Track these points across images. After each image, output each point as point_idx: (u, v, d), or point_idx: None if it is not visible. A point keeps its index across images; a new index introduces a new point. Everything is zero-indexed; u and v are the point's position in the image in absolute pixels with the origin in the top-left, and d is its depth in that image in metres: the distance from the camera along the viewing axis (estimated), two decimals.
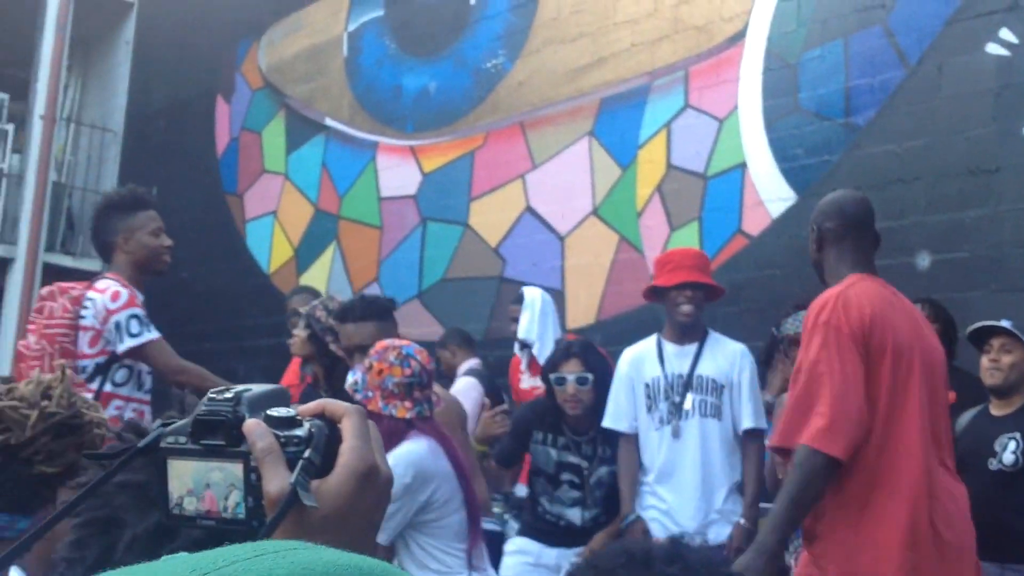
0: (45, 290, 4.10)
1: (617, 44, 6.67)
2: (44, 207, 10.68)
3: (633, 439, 4.32)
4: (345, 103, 8.54)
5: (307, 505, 0.82)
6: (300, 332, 4.62)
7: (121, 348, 3.88)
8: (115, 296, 3.92)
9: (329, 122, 8.65)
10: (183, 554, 0.60)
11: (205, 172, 9.77)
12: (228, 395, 0.88)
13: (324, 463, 0.86)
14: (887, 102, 5.39)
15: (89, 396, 3.80)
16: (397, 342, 3.56)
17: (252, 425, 0.86)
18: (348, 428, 0.88)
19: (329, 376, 4.43)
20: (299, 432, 0.86)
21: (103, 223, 4.11)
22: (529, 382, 5.21)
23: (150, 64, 11.14)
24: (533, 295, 5.31)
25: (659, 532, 4.11)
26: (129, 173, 11.06)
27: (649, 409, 4.30)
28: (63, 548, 1.01)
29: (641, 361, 4.39)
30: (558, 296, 6.66)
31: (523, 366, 5.31)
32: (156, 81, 10.98)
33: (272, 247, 8.94)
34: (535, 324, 5.19)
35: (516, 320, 5.27)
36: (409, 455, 3.32)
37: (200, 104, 10.08)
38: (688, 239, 6.07)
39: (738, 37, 6.06)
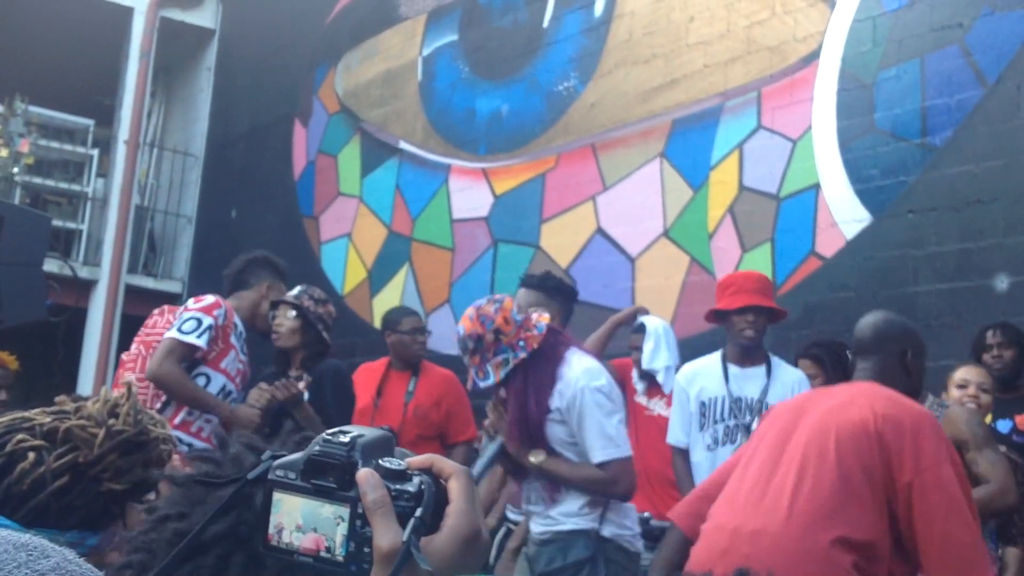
0: (157, 309, 4.44)
1: (689, 65, 6.65)
2: (127, 230, 10.93)
3: (686, 453, 4.35)
4: (419, 126, 8.63)
5: (420, 567, 0.84)
6: (288, 322, 4.53)
7: (166, 335, 4.06)
8: (198, 300, 4.19)
9: (403, 145, 8.74)
10: None
11: (282, 195, 9.93)
12: (344, 439, 0.90)
13: (430, 520, 0.88)
14: (964, 122, 5.30)
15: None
16: (482, 300, 3.68)
17: (366, 475, 0.87)
18: (456, 489, 0.90)
19: (311, 362, 4.50)
20: (409, 487, 0.88)
21: (254, 267, 4.48)
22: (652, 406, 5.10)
23: (230, 90, 11.38)
24: (655, 324, 5.21)
25: None
26: (209, 197, 11.29)
27: (702, 427, 4.32)
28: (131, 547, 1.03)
29: (699, 377, 4.42)
30: None
31: (641, 392, 5.15)
32: (236, 106, 11.20)
33: (346, 269, 9.04)
34: (659, 353, 5.09)
35: (638, 349, 5.12)
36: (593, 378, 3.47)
37: (278, 129, 10.26)
38: (760, 261, 6.01)
39: (812, 57, 6.00)
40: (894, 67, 5.61)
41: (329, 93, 9.72)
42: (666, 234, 6.61)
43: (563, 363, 3.49)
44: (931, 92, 5.44)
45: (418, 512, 0.87)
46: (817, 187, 5.84)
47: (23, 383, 12.14)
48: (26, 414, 1.42)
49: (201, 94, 11.75)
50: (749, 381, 4.30)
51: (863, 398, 2.83)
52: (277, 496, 0.90)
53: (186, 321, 4.06)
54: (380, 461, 0.89)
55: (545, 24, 7.72)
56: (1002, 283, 5.04)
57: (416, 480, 0.89)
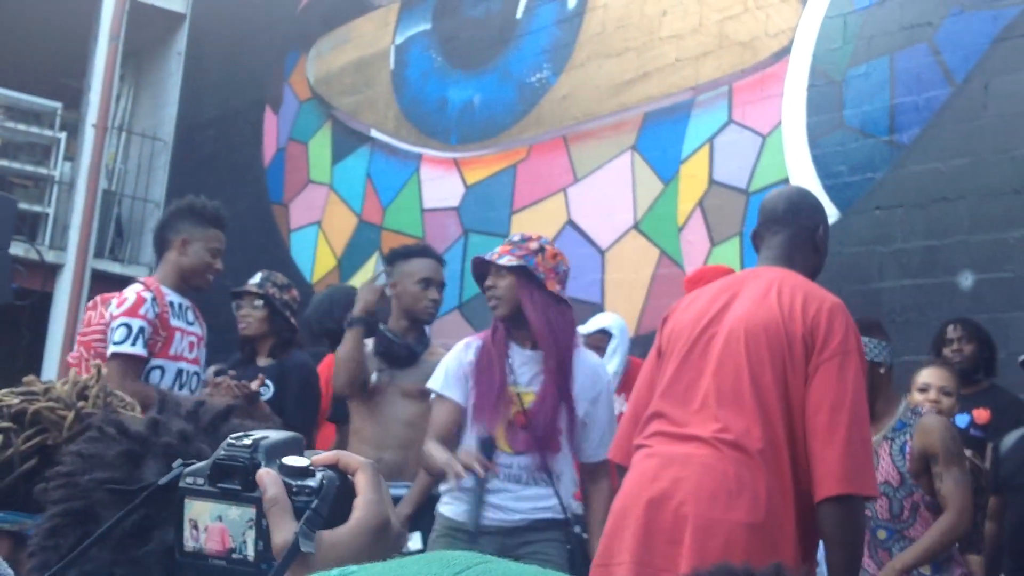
0: (91, 302, 4.21)
1: (661, 59, 6.68)
2: (94, 214, 10.85)
3: None
4: (391, 115, 8.61)
5: (311, 556, 0.86)
6: (256, 312, 4.47)
7: (109, 350, 3.87)
8: (121, 302, 3.95)
9: (374, 134, 8.72)
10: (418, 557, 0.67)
11: (252, 182, 9.88)
12: (247, 441, 0.91)
13: (335, 514, 0.89)
14: (932, 120, 5.35)
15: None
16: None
17: (263, 474, 0.89)
18: (363, 482, 0.91)
19: (280, 350, 4.46)
20: (311, 483, 0.89)
21: (172, 220, 4.16)
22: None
23: (200, 75, 11.30)
24: (619, 325, 5.25)
25: None
26: (178, 182, 11.22)
27: None
28: (38, 536, 1.03)
29: None
30: (597, 310, 6.67)
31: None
32: (206, 92, 11.13)
33: (316, 257, 9.02)
34: (614, 357, 5.15)
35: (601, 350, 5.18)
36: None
37: (249, 115, 10.20)
38: (729, 255, 6.05)
39: (783, 53, 6.04)
40: (864, 64, 5.66)
41: (300, 80, 9.68)
42: (636, 227, 6.64)
43: (578, 349, 3.55)
44: (900, 90, 5.49)
45: (313, 504, 0.88)
46: (786, 182, 5.88)
47: None
48: None
49: (171, 78, 11.66)
50: None
51: (772, 294, 2.70)
52: (188, 502, 0.92)
53: (116, 331, 3.89)
54: (283, 460, 0.90)
55: (518, 15, 7.72)
56: (966, 280, 5.11)
57: (319, 476, 0.90)
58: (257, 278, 4.61)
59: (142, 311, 3.90)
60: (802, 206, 2.91)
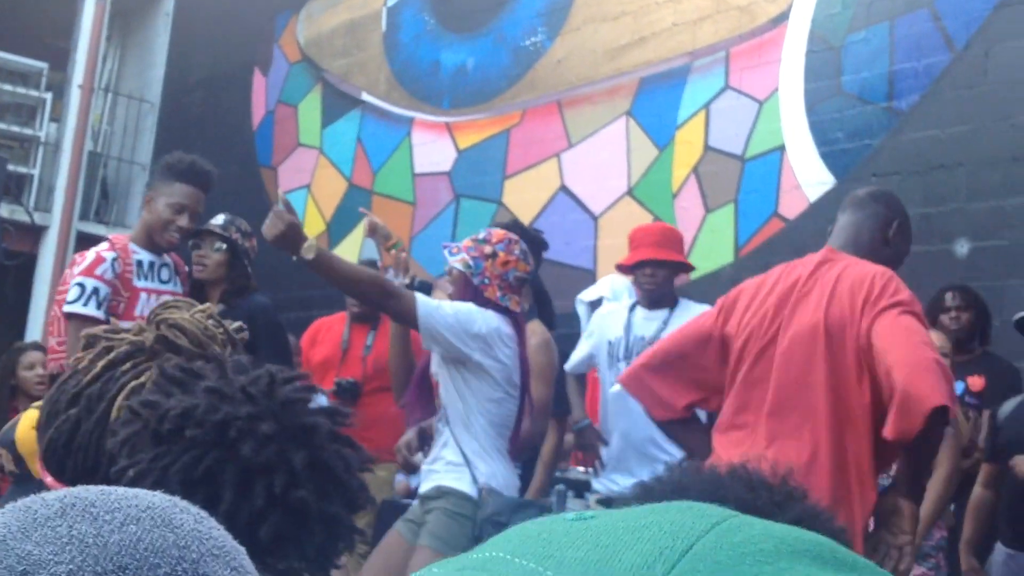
0: (70, 259, 4.21)
1: (658, 23, 6.62)
2: (79, 176, 10.74)
3: (579, 377, 4.62)
4: (382, 78, 8.53)
5: None
6: (216, 255, 4.20)
7: (64, 309, 3.83)
8: (78, 262, 3.90)
9: (365, 97, 8.63)
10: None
11: (240, 145, 9.78)
12: None
13: None
14: (932, 87, 5.32)
15: None
16: (513, 236, 3.61)
17: None
18: None
19: (235, 296, 4.23)
20: None
21: (151, 177, 4.12)
22: None
23: (188, 36, 11.17)
24: (620, 287, 5.23)
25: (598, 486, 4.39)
26: (165, 144, 11.09)
27: (610, 366, 4.43)
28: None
29: (607, 319, 4.55)
30: (589, 276, 6.63)
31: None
32: (194, 53, 11.00)
33: (305, 221, 8.93)
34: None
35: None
36: (488, 316, 3.43)
37: (237, 77, 10.09)
38: (723, 221, 6.02)
39: (781, 18, 5.99)
40: (863, 30, 5.62)
41: (290, 42, 9.57)
42: (630, 193, 6.59)
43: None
44: (899, 56, 5.45)
45: None
46: (782, 149, 5.85)
47: None
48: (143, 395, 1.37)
49: (158, 39, 11.51)
50: (652, 323, 4.40)
51: (822, 295, 2.78)
52: None
53: (71, 290, 3.82)
54: None
55: None
56: (962, 248, 5.09)
57: None
58: (220, 219, 4.29)
59: (99, 271, 3.82)
60: (883, 197, 2.97)
